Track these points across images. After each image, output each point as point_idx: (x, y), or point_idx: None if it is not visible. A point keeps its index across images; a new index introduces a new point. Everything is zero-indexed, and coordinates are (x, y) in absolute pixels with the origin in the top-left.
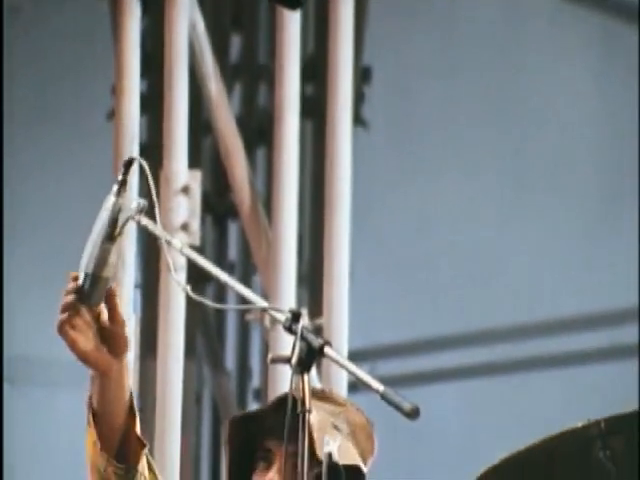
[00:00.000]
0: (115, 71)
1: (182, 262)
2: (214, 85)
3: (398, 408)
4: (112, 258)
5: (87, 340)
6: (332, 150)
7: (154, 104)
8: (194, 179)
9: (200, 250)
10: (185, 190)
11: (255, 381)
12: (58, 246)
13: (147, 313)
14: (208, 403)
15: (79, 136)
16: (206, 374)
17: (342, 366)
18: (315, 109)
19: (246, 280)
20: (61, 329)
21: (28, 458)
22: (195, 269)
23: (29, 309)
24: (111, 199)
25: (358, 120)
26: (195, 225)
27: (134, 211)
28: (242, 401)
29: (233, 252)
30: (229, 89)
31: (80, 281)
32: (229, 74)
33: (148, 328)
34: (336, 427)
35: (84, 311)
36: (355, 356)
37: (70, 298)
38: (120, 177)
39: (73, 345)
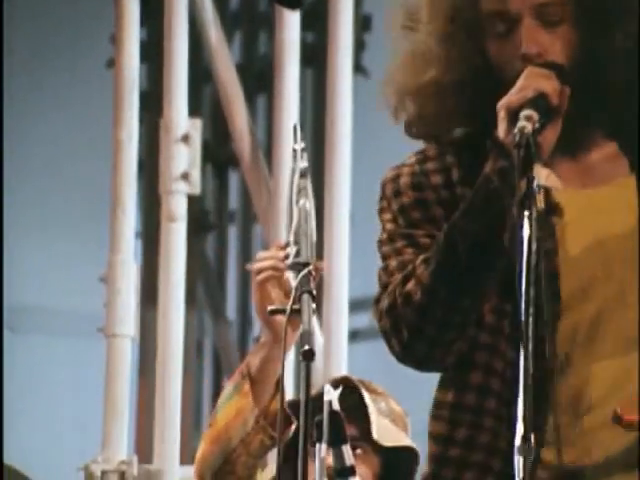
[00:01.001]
0: (115, 19)
1: (182, 212)
2: (214, 33)
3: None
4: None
5: (279, 302)
6: (332, 97)
7: (154, 52)
8: (194, 127)
9: (200, 199)
10: (185, 139)
11: (256, 330)
12: (57, 194)
13: (147, 262)
14: (209, 352)
15: (79, 84)
16: (207, 323)
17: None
18: (315, 57)
19: (247, 229)
20: (262, 283)
21: (28, 404)
22: (195, 219)
23: (29, 257)
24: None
25: (358, 68)
26: (195, 174)
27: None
28: (243, 350)
29: (234, 201)
30: (229, 37)
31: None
32: (229, 22)
33: (149, 277)
34: (382, 412)
35: (285, 279)
36: (356, 306)
37: (280, 263)
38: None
39: (265, 301)
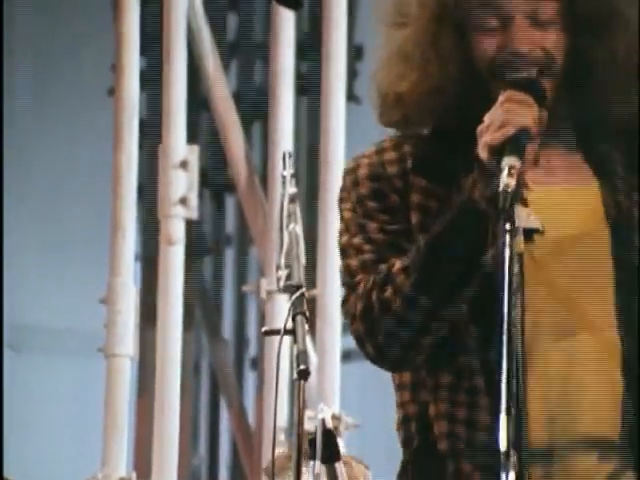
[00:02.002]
0: (116, 49)
1: (180, 235)
2: (212, 62)
3: None
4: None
5: None
6: (326, 125)
7: (153, 81)
8: (192, 154)
9: (198, 223)
10: (183, 164)
11: (252, 350)
12: (59, 217)
13: (147, 284)
14: (206, 371)
15: (81, 111)
16: (204, 343)
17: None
18: (309, 85)
19: (243, 252)
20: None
21: (30, 422)
22: (193, 242)
23: (32, 279)
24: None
25: (351, 96)
26: (193, 199)
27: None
28: (239, 369)
29: (230, 225)
30: (226, 66)
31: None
32: (226, 52)
33: (148, 299)
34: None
35: None
36: (349, 326)
37: None
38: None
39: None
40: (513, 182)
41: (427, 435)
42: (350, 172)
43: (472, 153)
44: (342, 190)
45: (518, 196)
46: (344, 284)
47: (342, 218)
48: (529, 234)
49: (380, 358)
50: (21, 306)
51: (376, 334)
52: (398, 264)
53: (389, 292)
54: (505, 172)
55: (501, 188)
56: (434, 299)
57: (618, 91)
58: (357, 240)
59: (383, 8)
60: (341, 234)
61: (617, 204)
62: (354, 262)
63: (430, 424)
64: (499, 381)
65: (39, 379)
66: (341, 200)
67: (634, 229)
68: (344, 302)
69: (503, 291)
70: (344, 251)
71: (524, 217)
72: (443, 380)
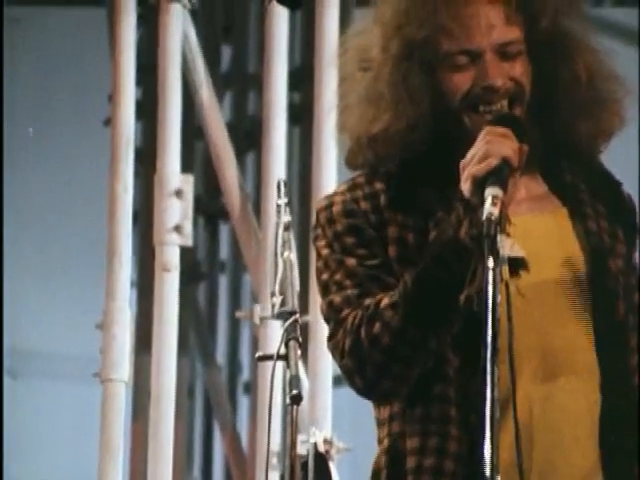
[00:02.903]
0: (112, 79)
1: (175, 262)
2: (206, 93)
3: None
4: None
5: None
6: (318, 154)
7: (149, 111)
8: (186, 182)
9: (192, 250)
10: (178, 193)
11: (245, 375)
12: (56, 243)
13: (142, 310)
14: (200, 396)
15: (78, 140)
16: (198, 368)
17: None
18: (302, 115)
19: (236, 278)
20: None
21: (26, 446)
22: (187, 269)
23: (28, 304)
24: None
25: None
26: (188, 226)
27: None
28: (233, 394)
29: (224, 252)
30: (220, 97)
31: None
32: (220, 82)
33: (143, 324)
34: None
35: None
36: None
37: None
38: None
39: None
40: (496, 211)
41: (397, 467)
42: (324, 210)
43: (445, 184)
44: (316, 227)
45: (502, 225)
46: (329, 320)
47: (319, 256)
48: (514, 267)
49: (369, 392)
50: (17, 331)
51: (365, 369)
52: (386, 300)
53: (377, 328)
54: (489, 201)
55: (485, 216)
56: (422, 333)
57: (581, 116)
58: (338, 276)
59: (345, 54)
60: (320, 272)
61: (587, 231)
62: (337, 298)
63: (400, 456)
64: (483, 412)
65: (35, 403)
66: (316, 238)
67: (606, 255)
68: (330, 337)
69: (487, 319)
70: (326, 288)
71: (508, 246)
72: (416, 410)
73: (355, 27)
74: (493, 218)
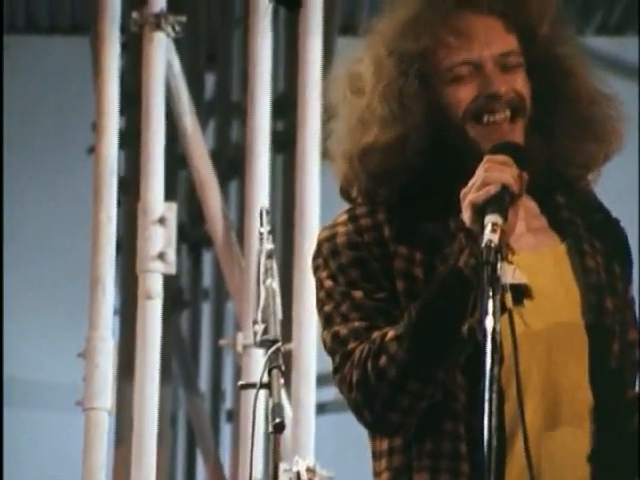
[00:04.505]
0: (95, 108)
1: (158, 290)
2: (189, 121)
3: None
4: None
5: None
6: (301, 182)
7: (132, 139)
8: (170, 210)
9: (176, 278)
10: (161, 221)
11: (228, 403)
12: (39, 272)
13: (125, 338)
14: (183, 424)
15: (61, 170)
16: (181, 396)
17: None
18: (285, 144)
19: (220, 306)
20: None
21: (8, 475)
22: (170, 296)
23: (12, 334)
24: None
25: (326, 155)
26: (171, 254)
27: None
28: (215, 421)
29: (207, 280)
30: (204, 125)
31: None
32: (204, 110)
33: (126, 352)
34: None
35: None
36: (323, 380)
37: None
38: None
39: None
40: (496, 237)
41: None
42: (326, 241)
43: (448, 213)
44: (317, 257)
45: (503, 253)
46: (334, 352)
47: (321, 286)
48: (518, 296)
49: (378, 425)
50: (11, 360)
51: (373, 403)
52: (391, 333)
53: (383, 361)
54: (488, 228)
55: (484, 243)
56: (428, 365)
57: (574, 136)
58: (344, 308)
59: (338, 81)
60: (323, 303)
61: (585, 269)
62: (343, 330)
63: None
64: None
65: (18, 432)
66: (317, 268)
67: (603, 293)
68: (336, 370)
69: (486, 348)
70: (329, 319)
71: (510, 274)
72: (426, 446)
73: (344, 57)
74: (492, 245)
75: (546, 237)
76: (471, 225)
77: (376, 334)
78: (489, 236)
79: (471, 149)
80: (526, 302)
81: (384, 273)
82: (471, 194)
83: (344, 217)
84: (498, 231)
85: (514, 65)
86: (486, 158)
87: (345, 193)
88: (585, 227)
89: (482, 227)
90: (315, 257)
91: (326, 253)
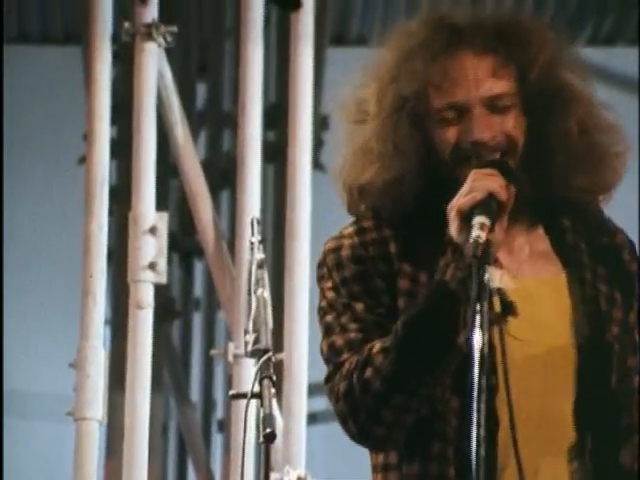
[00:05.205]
0: (86, 118)
1: (149, 300)
2: (180, 131)
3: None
4: None
5: None
6: (292, 193)
7: (123, 149)
8: (161, 220)
9: (167, 287)
10: (152, 230)
11: (219, 412)
12: (30, 283)
13: (116, 348)
14: (174, 433)
15: (52, 179)
16: (172, 406)
17: None
18: (276, 154)
19: (211, 316)
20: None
21: None
22: (162, 306)
23: (3, 341)
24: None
25: (317, 164)
26: (162, 264)
27: None
28: (207, 431)
29: (198, 289)
30: (195, 135)
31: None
32: (195, 121)
33: (117, 362)
34: None
35: None
36: (314, 390)
37: None
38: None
39: None
40: (484, 235)
41: None
42: (332, 252)
43: (443, 236)
44: (322, 267)
45: (490, 256)
46: (328, 361)
47: (324, 296)
48: (505, 310)
49: (363, 437)
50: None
51: (358, 414)
52: (377, 345)
53: (369, 373)
54: (476, 227)
55: (472, 239)
56: (413, 379)
57: (576, 169)
58: (344, 319)
59: (345, 107)
60: (325, 312)
61: (585, 298)
62: (339, 340)
63: None
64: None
65: (9, 442)
66: (322, 277)
67: (602, 323)
68: (328, 379)
69: (473, 357)
70: (329, 329)
71: (497, 278)
72: (414, 467)
73: (355, 80)
74: (480, 241)
75: (548, 263)
76: (458, 236)
77: (366, 346)
78: (477, 232)
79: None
80: (520, 327)
81: (387, 290)
82: (456, 201)
83: (351, 229)
84: (486, 230)
85: (505, 106)
86: (473, 172)
87: (351, 212)
88: (589, 252)
89: (468, 237)
90: (320, 267)
91: (330, 265)
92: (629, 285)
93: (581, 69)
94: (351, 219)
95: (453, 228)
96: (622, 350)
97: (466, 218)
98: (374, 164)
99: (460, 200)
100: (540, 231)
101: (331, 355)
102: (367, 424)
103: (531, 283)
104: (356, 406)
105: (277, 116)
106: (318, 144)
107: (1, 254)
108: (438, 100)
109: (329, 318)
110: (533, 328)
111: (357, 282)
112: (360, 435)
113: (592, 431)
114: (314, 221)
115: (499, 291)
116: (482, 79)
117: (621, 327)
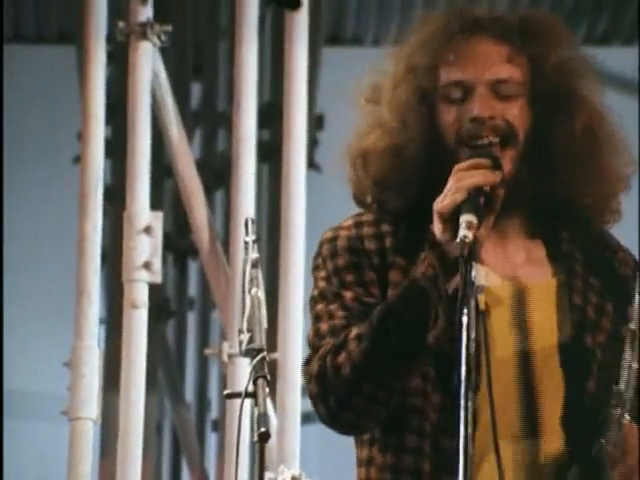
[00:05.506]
0: (81, 117)
1: (144, 299)
2: (175, 131)
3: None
4: None
5: None
6: (287, 192)
7: (118, 149)
8: (156, 219)
9: (161, 287)
10: (147, 230)
11: (213, 412)
12: (23, 283)
13: (110, 347)
14: (168, 433)
15: (47, 178)
16: (166, 405)
17: None
18: (271, 154)
19: (205, 315)
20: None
21: None
22: (156, 306)
23: (5, 342)
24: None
25: (312, 164)
26: (157, 263)
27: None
28: (201, 431)
29: (193, 289)
30: (189, 134)
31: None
32: (189, 120)
33: (111, 361)
34: None
35: None
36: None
37: None
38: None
39: None
40: (471, 234)
41: None
42: (328, 242)
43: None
44: (318, 257)
45: (476, 253)
46: (311, 345)
47: (316, 286)
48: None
49: (331, 421)
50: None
51: (328, 397)
52: (354, 331)
53: (342, 358)
54: (463, 226)
55: (459, 238)
56: (382, 369)
57: (577, 174)
58: (332, 307)
59: (362, 89)
60: (316, 301)
61: (571, 305)
62: (324, 326)
63: None
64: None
65: (7, 443)
66: (316, 267)
67: (585, 331)
68: (306, 362)
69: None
70: (317, 317)
71: (482, 275)
72: (387, 459)
73: (373, 68)
74: (467, 240)
75: (542, 269)
76: (441, 235)
77: (345, 332)
78: (464, 232)
79: None
80: (507, 328)
81: (378, 282)
82: (439, 204)
83: (350, 222)
84: (473, 229)
85: (511, 94)
86: (456, 167)
87: (358, 200)
88: (583, 262)
89: (452, 236)
90: (316, 256)
91: (325, 254)
92: (625, 299)
93: (593, 76)
94: (347, 216)
95: (437, 228)
96: (606, 358)
97: (448, 220)
98: (377, 129)
99: (442, 202)
100: (538, 241)
101: (315, 339)
102: (336, 408)
103: (522, 287)
104: (326, 389)
105: (272, 116)
106: (313, 144)
107: (1, 255)
108: (446, 75)
109: (319, 307)
110: (519, 330)
111: (349, 272)
112: (329, 418)
113: (572, 436)
114: (309, 221)
115: (485, 289)
116: (492, 62)
117: (610, 337)
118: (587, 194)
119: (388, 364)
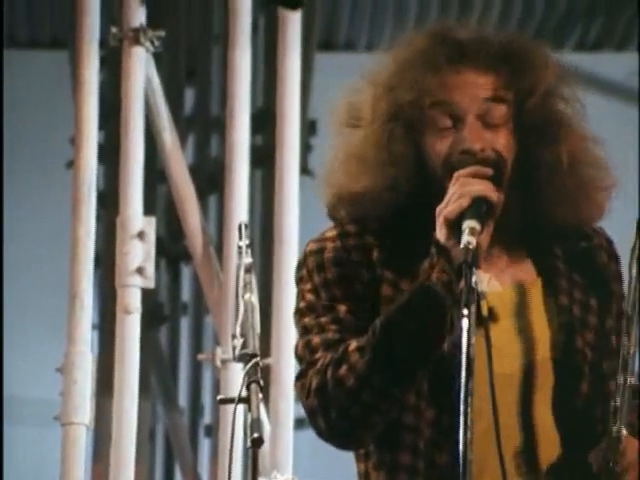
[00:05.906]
0: (74, 122)
1: (137, 305)
2: (168, 136)
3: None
4: None
5: None
6: (280, 197)
7: (111, 154)
8: (149, 225)
9: (155, 292)
10: (140, 235)
11: (207, 417)
12: (17, 287)
13: (104, 353)
14: (161, 438)
15: (40, 183)
16: (160, 411)
17: None
18: (264, 159)
19: (198, 320)
20: None
21: None
22: (149, 311)
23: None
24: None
25: (305, 169)
26: (150, 268)
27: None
28: (194, 437)
29: (186, 294)
30: (183, 140)
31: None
32: (183, 125)
33: (104, 367)
34: None
35: None
36: None
37: None
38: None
39: None
40: (474, 240)
41: None
42: (313, 254)
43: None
44: (302, 269)
45: (478, 260)
46: (302, 359)
47: (302, 298)
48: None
49: (331, 434)
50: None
51: (329, 410)
52: (354, 343)
53: (343, 370)
54: (467, 232)
55: (463, 245)
56: (386, 380)
57: (560, 201)
58: (324, 320)
59: (337, 110)
60: (303, 314)
61: (558, 307)
62: (316, 339)
63: None
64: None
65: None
66: (300, 279)
67: (575, 331)
68: (299, 376)
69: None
70: (306, 329)
71: (485, 281)
72: (382, 477)
73: (349, 85)
74: (471, 247)
75: (524, 270)
76: (446, 241)
77: (343, 345)
78: (467, 238)
79: None
80: (500, 338)
81: (368, 296)
82: (445, 209)
83: (334, 232)
84: (476, 235)
85: (498, 123)
86: (457, 174)
87: (332, 215)
88: (564, 258)
89: (457, 242)
90: (299, 268)
91: (311, 266)
92: (605, 290)
93: (576, 101)
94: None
95: (441, 234)
96: (595, 355)
97: (454, 225)
98: (368, 172)
99: (448, 207)
100: (515, 238)
101: (306, 353)
102: (336, 421)
103: (510, 291)
104: (327, 402)
105: (265, 121)
106: (306, 149)
107: (1, 258)
108: (433, 109)
109: (307, 319)
110: (511, 337)
111: (338, 285)
112: (328, 431)
113: (567, 441)
114: (302, 226)
115: (486, 295)
116: (480, 92)
117: (596, 333)
118: (568, 211)
119: (393, 372)
